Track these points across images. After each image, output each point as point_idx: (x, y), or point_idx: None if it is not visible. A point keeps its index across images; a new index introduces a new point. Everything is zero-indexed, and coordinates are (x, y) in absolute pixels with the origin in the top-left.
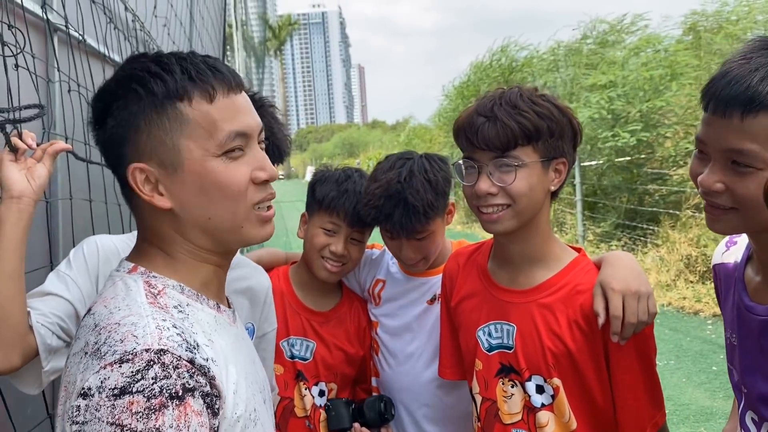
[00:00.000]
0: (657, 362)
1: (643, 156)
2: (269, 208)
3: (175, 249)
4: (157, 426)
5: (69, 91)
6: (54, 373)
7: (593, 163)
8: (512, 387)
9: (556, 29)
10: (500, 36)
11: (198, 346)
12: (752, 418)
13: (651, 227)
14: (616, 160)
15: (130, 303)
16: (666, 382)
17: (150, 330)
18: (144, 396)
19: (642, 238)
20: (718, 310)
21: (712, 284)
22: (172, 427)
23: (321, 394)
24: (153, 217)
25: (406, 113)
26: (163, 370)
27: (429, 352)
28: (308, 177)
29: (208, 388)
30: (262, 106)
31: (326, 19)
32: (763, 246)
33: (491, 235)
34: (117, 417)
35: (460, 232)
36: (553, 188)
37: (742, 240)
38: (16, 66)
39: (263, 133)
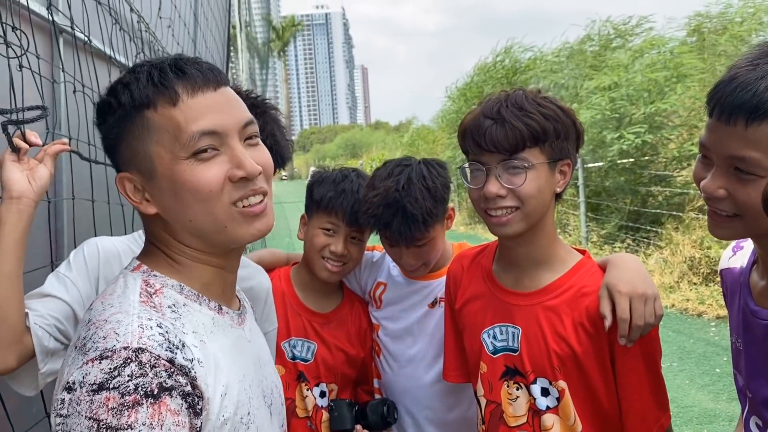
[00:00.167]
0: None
1: (646, 158)
2: (260, 202)
3: (173, 251)
4: (129, 422)
5: (74, 92)
6: (51, 374)
7: (597, 164)
8: (517, 390)
9: (559, 30)
10: (502, 37)
11: (183, 346)
12: (756, 423)
13: (654, 229)
14: (619, 161)
15: (123, 300)
16: (669, 384)
17: (132, 328)
18: (119, 392)
19: (645, 240)
20: (721, 312)
21: (716, 286)
22: (145, 425)
23: (322, 395)
24: (149, 222)
25: (409, 114)
26: (140, 369)
27: (430, 355)
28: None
29: (188, 388)
30: (265, 111)
31: (329, 20)
32: (767, 251)
33: (494, 237)
34: (94, 412)
35: (463, 233)
36: (558, 190)
37: (749, 245)
38: (20, 67)
39: (252, 126)
